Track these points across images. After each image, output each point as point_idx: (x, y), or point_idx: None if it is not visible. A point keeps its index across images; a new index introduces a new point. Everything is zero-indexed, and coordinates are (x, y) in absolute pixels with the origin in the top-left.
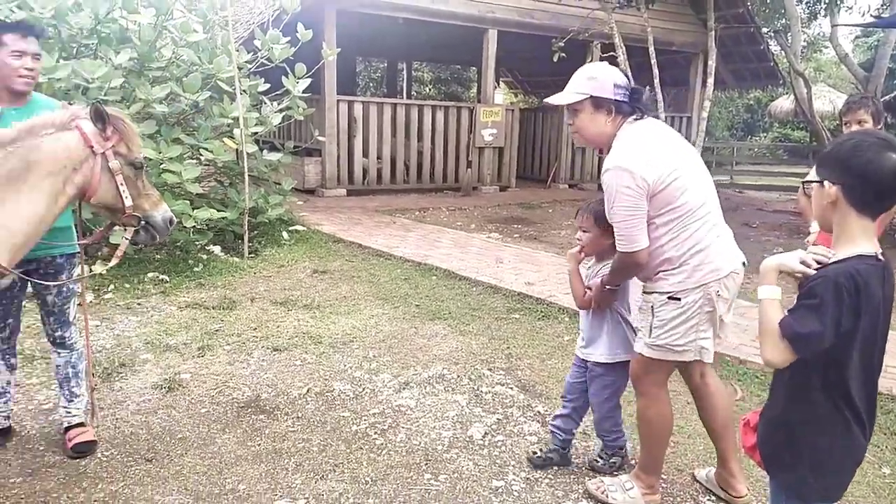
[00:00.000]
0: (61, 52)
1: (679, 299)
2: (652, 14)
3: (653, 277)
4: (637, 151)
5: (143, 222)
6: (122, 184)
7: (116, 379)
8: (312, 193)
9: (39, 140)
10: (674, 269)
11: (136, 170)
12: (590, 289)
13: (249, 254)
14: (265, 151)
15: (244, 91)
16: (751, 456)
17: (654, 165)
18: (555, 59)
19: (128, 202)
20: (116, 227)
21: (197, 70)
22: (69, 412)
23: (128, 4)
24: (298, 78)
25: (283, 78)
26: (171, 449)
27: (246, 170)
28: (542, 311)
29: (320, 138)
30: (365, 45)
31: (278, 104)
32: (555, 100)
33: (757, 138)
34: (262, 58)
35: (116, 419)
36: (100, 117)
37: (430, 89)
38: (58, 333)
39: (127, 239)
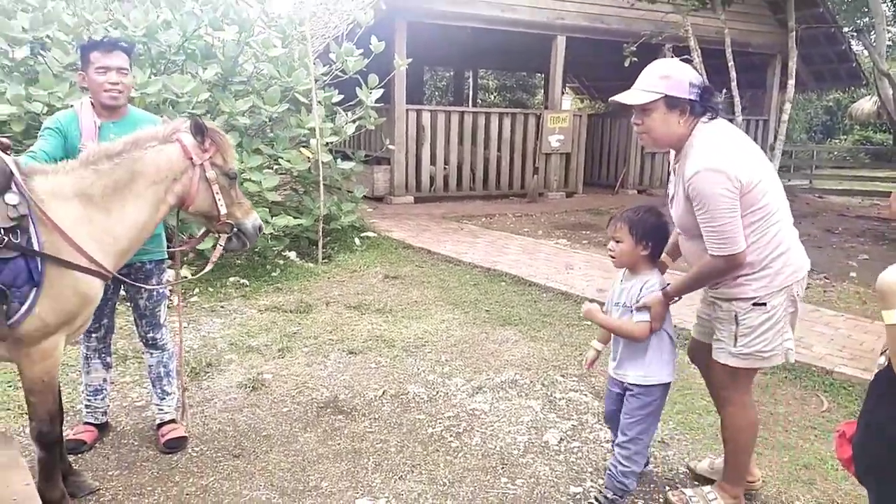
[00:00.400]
0: (152, 68)
1: (765, 304)
2: (728, 15)
3: (730, 283)
4: (725, 152)
5: (235, 229)
6: (217, 193)
7: (204, 378)
8: (381, 201)
9: (144, 152)
10: (755, 272)
11: (230, 180)
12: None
13: (323, 259)
14: (338, 160)
15: (320, 102)
16: (846, 468)
17: (743, 166)
18: (626, 64)
19: (223, 210)
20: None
21: (276, 83)
22: (161, 409)
23: (213, 22)
24: (371, 88)
25: (357, 89)
26: (257, 446)
27: (321, 178)
28: None
29: (391, 147)
30: (432, 55)
31: (352, 114)
32: (625, 99)
33: (836, 141)
34: (336, 70)
35: (205, 416)
36: (199, 130)
37: (494, 97)
38: (150, 335)
39: (221, 246)
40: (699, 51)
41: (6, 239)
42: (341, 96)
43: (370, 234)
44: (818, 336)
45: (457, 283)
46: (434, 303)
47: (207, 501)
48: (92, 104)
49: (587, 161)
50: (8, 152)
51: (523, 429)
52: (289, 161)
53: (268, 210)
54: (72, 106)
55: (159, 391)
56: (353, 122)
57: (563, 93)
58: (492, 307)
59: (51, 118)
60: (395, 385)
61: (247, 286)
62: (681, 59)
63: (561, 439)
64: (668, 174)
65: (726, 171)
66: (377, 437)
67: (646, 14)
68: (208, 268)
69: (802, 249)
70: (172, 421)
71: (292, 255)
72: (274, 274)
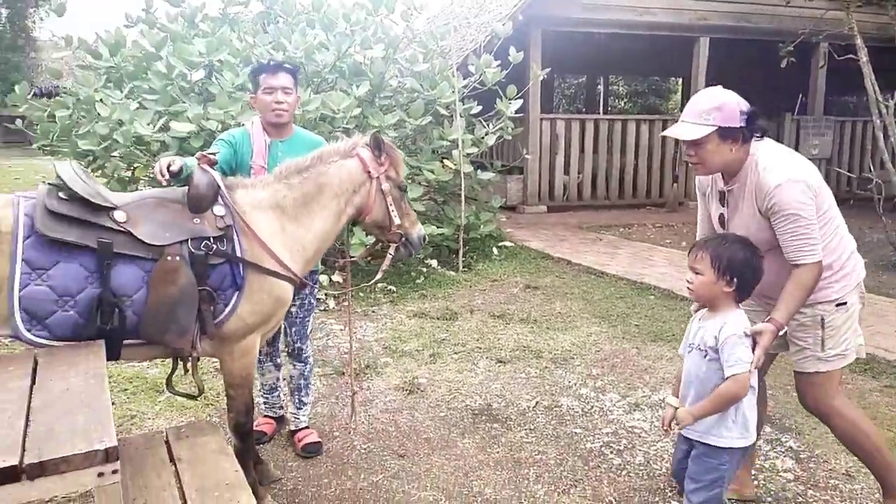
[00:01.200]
0: (309, 86)
1: (846, 303)
2: None
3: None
4: (796, 163)
5: (403, 239)
6: (391, 204)
7: (364, 379)
8: (514, 210)
9: (328, 167)
10: (836, 273)
11: (401, 192)
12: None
13: (463, 268)
14: (478, 171)
15: (461, 114)
16: None
17: (811, 174)
18: (783, 65)
19: (396, 221)
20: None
21: (419, 97)
22: (297, 417)
23: (364, 41)
24: (510, 99)
25: (497, 100)
26: (419, 447)
27: (462, 189)
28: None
29: (528, 156)
30: (564, 62)
31: (491, 125)
32: (679, 134)
33: None
34: (474, 82)
35: (369, 416)
36: (377, 145)
37: (625, 102)
38: (297, 345)
39: (391, 255)
40: (866, 49)
41: (215, 247)
42: (479, 107)
43: (507, 243)
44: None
45: (601, 296)
46: (579, 315)
47: (379, 498)
48: (262, 124)
49: None
50: (213, 167)
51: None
52: (432, 172)
53: None
54: (243, 125)
55: (297, 401)
56: (493, 132)
57: None
58: (641, 322)
59: (225, 132)
60: (548, 397)
61: (394, 292)
62: (843, 58)
63: None
64: (715, 196)
65: (805, 179)
66: (535, 448)
67: (798, 11)
68: (379, 275)
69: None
70: (306, 427)
71: (434, 263)
72: (418, 281)
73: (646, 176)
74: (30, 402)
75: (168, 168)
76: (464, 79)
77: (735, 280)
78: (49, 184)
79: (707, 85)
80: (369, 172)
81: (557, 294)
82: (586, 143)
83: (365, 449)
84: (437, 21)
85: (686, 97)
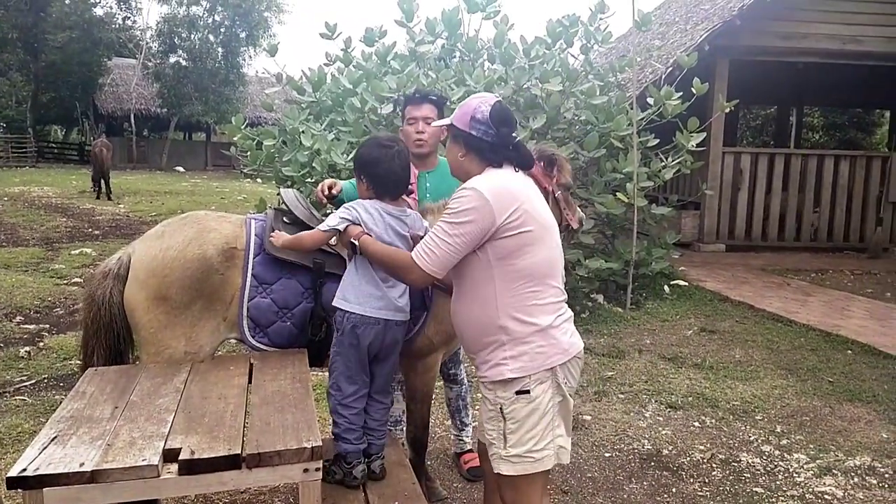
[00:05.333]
0: None
1: (528, 392)
2: None
3: None
4: None
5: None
6: (565, 208)
7: None
8: (687, 247)
9: None
10: (507, 345)
11: (567, 191)
12: None
13: (631, 305)
14: (652, 205)
15: (637, 147)
16: None
17: None
18: None
19: (574, 224)
20: None
21: (593, 129)
22: (460, 439)
23: (544, 74)
24: (691, 132)
25: (678, 133)
26: (583, 486)
27: (635, 223)
28: None
29: (708, 192)
30: (752, 93)
31: (669, 158)
32: None
33: None
34: (653, 114)
35: None
36: (551, 164)
37: (820, 136)
38: (451, 371)
39: None
40: None
41: None
42: (657, 140)
43: (681, 282)
44: None
45: (788, 346)
46: (762, 365)
47: None
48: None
49: None
50: (410, 196)
51: None
52: (603, 205)
53: (580, 252)
54: None
55: (458, 422)
56: (671, 166)
57: None
58: (836, 378)
59: None
60: (725, 450)
61: None
62: None
63: None
64: None
65: None
66: (710, 503)
67: None
68: None
69: None
70: (471, 450)
71: (600, 298)
72: (583, 315)
73: (843, 217)
74: (247, 399)
75: (330, 189)
76: (642, 111)
77: None
78: (275, 208)
79: None
80: (545, 187)
81: (737, 340)
82: (774, 179)
83: None
84: (616, 52)
85: (895, 130)
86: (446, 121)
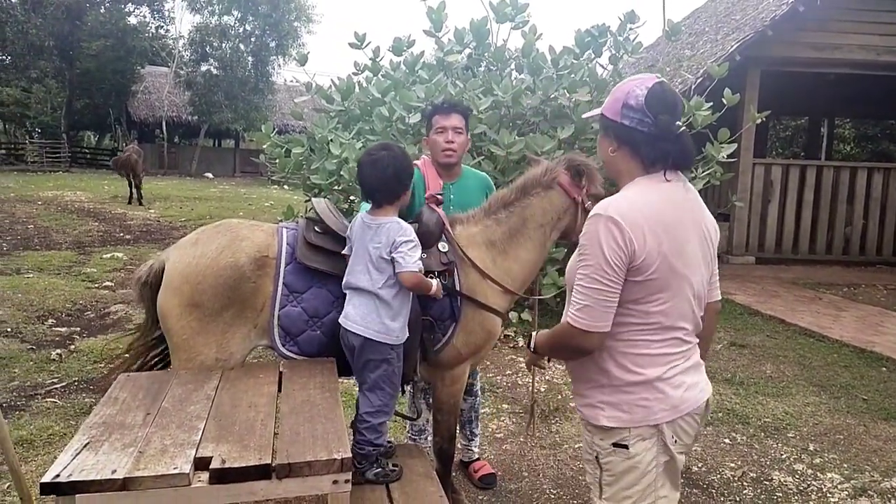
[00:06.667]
0: (513, 129)
1: (626, 447)
2: None
3: None
4: None
5: None
6: None
7: (553, 422)
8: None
9: (531, 199)
10: (607, 388)
11: (596, 202)
12: None
13: None
14: None
15: None
16: None
17: None
18: None
19: None
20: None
21: None
22: (469, 449)
23: (572, 85)
24: (722, 143)
25: (708, 144)
26: None
27: None
28: None
29: (738, 203)
30: (782, 104)
31: (699, 169)
32: None
33: None
34: (683, 124)
35: (557, 461)
36: (579, 174)
37: (851, 147)
38: (468, 381)
39: None
40: None
41: (441, 281)
42: None
43: None
44: None
45: (821, 362)
46: (794, 381)
47: None
48: (434, 165)
49: None
50: (439, 206)
51: None
52: None
53: None
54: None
55: (468, 433)
56: (701, 177)
57: None
58: (871, 396)
59: None
60: (756, 468)
61: None
62: None
63: None
64: None
65: None
66: None
67: None
68: None
69: None
70: (478, 459)
71: None
72: None
73: (877, 230)
74: (277, 407)
75: None
76: None
77: None
78: (307, 218)
79: None
80: (574, 198)
81: (768, 355)
82: (805, 191)
83: (553, 495)
84: (646, 62)
85: None
86: (597, 111)
